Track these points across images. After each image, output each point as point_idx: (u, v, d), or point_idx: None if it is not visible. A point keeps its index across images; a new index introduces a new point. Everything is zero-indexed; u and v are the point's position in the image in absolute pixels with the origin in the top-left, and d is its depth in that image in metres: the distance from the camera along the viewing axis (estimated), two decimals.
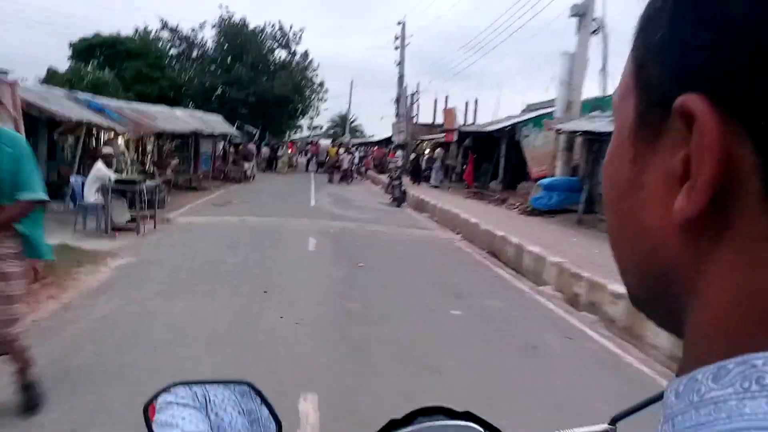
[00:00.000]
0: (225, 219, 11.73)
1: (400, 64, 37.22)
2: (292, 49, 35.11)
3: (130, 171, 12.55)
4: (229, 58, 34.30)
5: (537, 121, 18.04)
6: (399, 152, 23.31)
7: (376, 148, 33.70)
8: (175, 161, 16.74)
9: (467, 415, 0.72)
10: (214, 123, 22.60)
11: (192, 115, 21.01)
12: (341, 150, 24.31)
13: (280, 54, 35.62)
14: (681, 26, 0.28)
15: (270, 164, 30.31)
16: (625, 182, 0.32)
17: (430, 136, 27.79)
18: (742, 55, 0.25)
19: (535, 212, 13.99)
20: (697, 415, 0.26)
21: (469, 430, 0.71)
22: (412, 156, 23.94)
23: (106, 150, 10.13)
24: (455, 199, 17.35)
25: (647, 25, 0.31)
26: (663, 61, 0.29)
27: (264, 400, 0.72)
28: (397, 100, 37.65)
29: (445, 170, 22.81)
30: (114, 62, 30.65)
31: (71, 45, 30.05)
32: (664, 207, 0.29)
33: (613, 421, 0.61)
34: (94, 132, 12.64)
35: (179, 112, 20.00)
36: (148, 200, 10.37)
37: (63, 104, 11.37)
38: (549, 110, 18.28)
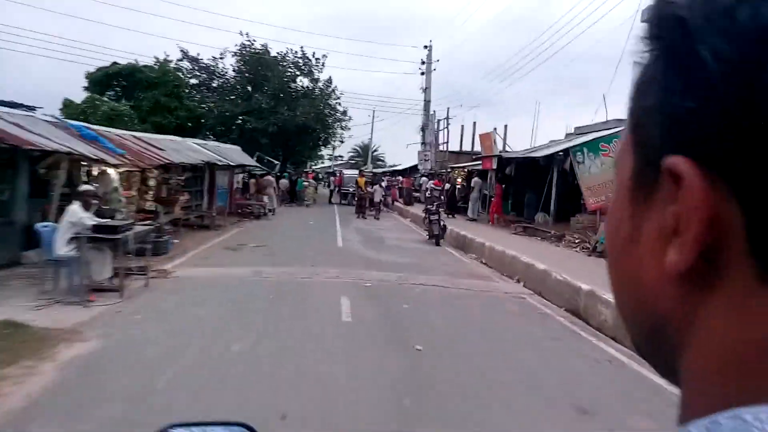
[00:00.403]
0: (235, 271, 9.38)
1: (426, 90, 35.24)
2: (315, 76, 33.28)
3: (124, 211, 10.36)
4: (250, 87, 32.60)
5: (593, 146, 15.59)
6: (429, 182, 21.01)
7: (403, 177, 31.41)
8: (184, 197, 14.57)
9: None
10: (232, 154, 20.54)
11: (206, 145, 18.96)
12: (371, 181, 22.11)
13: (302, 82, 33.84)
14: (670, 93, 0.30)
15: (292, 197, 28.15)
16: (624, 237, 0.33)
17: (461, 164, 25.47)
18: (725, 120, 0.27)
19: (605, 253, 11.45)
20: None
21: None
22: (446, 186, 21.55)
23: (85, 187, 7.93)
24: (500, 234, 14.87)
25: (642, 88, 0.32)
26: (655, 124, 0.31)
27: None
28: (423, 129, 35.55)
29: (483, 201, 20.37)
30: (131, 93, 29.10)
31: (87, 75, 28.56)
32: (658, 260, 0.30)
33: None
34: (87, 166, 10.50)
35: (192, 142, 17.97)
36: (139, 249, 8.13)
37: (42, 131, 9.26)
38: (603, 133, 15.90)
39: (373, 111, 54.20)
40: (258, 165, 25.99)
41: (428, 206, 15.91)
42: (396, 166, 53.59)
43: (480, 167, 21.40)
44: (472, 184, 20.52)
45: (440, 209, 15.27)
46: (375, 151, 63.26)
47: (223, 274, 9.07)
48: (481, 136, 21.63)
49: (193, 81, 34.86)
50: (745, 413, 0.26)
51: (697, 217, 0.27)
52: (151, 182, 12.12)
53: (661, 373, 0.35)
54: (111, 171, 10.57)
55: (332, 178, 36.46)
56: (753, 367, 0.27)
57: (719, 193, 0.27)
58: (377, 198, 21.09)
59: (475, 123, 34.25)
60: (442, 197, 17.44)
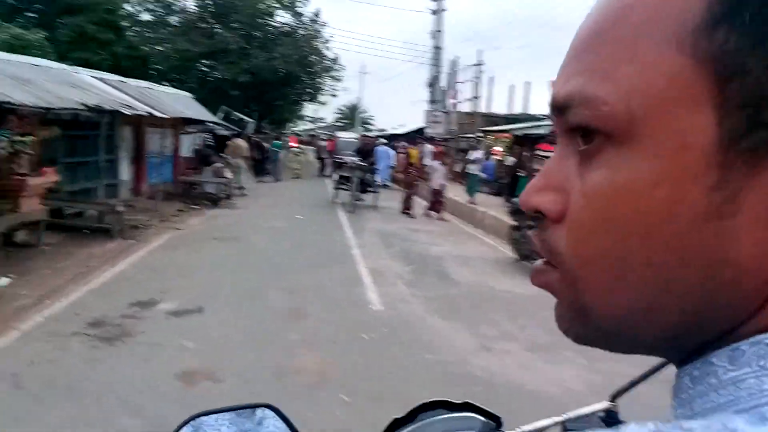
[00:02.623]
0: None
1: (437, 33, 27.18)
2: (298, 10, 24.92)
3: None
4: (214, 21, 24.14)
5: None
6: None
7: (426, 142, 23.52)
8: (43, 178, 6.79)
9: (466, 406, 0.69)
10: (171, 101, 12.57)
11: (125, 85, 10.95)
12: (427, 154, 13.78)
13: (283, 17, 25.49)
14: None
15: (260, 168, 19.88)
16: (697, 212, 0.26)
17: (504, 128, 17.88)
18: None
19: None
20: (717, 396, 0.26)
21: (470, 420, 0.69)
22: (509, 160, 13.91)
23: None
24: None
25: (755, 21, 0.24)
26: None
27: (288, 423, 0.67)
28: (432, 83, 27.67)
29: None
30: (52, 20, 20.58)
31: None
32: None
33: (613, 398, 0.59)
34: None
35: (87, 73, 10.01)
36: None
37: None
38: None
39: (363, 65, 45.58)
40: (222, 123, 18.04)
41: (514, 199, 8.39)
42: (384, 130, 45.39)
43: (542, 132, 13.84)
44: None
45: None
46: (363, 113, 54.85)
47: None
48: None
49: (146, 17, 26.32)
50: (766, 338, 0.25)
51: None
52: None
53: (669, 354, 0.31)
54: None
55: (318, 142, 28.37)
56: None
57: None
58: (436, 182, 11.91)
59: (492, 78, 26.37)
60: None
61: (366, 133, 21.76)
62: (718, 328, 0.27)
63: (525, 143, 15.45)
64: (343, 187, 13.01)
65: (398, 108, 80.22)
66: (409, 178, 12.63)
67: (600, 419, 0.60)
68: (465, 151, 20.16)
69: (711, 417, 0.24)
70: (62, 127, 8.38)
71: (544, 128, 14.29)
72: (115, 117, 9.48)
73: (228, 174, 14.07)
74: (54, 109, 6.41)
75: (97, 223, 8.44)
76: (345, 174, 13.02)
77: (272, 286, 6.04)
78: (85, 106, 7.02)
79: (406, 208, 12.39)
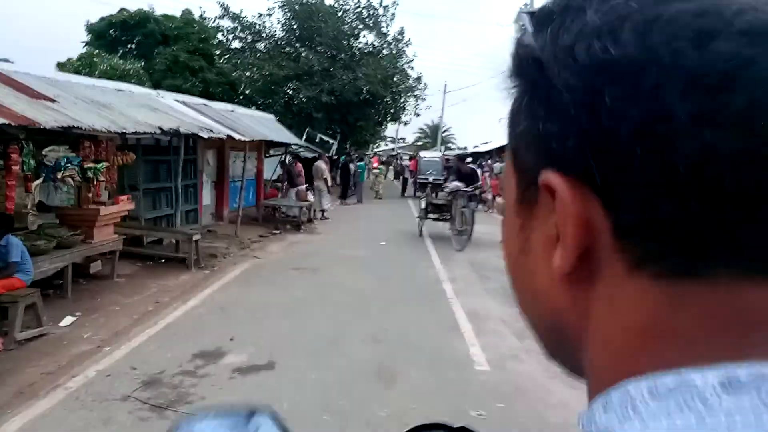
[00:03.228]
0: None
1: None
2: (383, 30, 24.43)
3: None
4: (303, 48, 24.19)
5: None
6: None
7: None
8: (119, 208, 6.36)
9: (463, 430, 0.65)
10: (253, 124, 12.19)
11: (206, 107, 10.66)
12: None
13: (366, 38, 25.14)
14: (537, 119, 0.32)
15: (344, 190, 19.61)
16: (517, 251, 0.35)
17: None
18: (582, 138, 0.29)
19: None
20: None
21: None
22: None
23: None
24: None
25: (514, 117, 0.35)
26: (528, 147, 0.33)
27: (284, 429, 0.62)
28: None
29: None
30: (150, 51, 21.38)
31: (88, 26, 20.96)
32: (547, 266, 0.32)
33: None
34: None
35: (171, 97, 9.76)
36: None
37: None
38: None
39: (445, 84, 44.60)
40: (306, 145, 17.74)
41: None
42: (465, 148, 44.04)
43: None
44: None
45: None
46: (445, 131, 53.73)
47: None
48: None
49: (236, 44, 26.98)
50: (628, 384, 0.28)
51: (571, 222, 0.29)
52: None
53: (570, 370, 0.36)
54: None
55: (400, 162, 27.66)
56: (629, 351, 0.29)
57: (587, 200, 0.29)
58: None
59: None
60: None
61: (459, 153, 20.57)
62: (567, 342, 0.33)
63: None
64: (433, 216, 11.09)
65: (480, 125, 78.18)
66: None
67: None
68: None
69: None
70: (143, 153, 8.08)
71: None
72: (196, 141, 9.13)
73: (310, 197, 13.55)
74: (127, 133, 5.95)
75: (174, 251, 7.99)
76: (440, 202, 11.01)
77: (355, 332, 5.12)
78: (161, 129, 6.55)
79: None
